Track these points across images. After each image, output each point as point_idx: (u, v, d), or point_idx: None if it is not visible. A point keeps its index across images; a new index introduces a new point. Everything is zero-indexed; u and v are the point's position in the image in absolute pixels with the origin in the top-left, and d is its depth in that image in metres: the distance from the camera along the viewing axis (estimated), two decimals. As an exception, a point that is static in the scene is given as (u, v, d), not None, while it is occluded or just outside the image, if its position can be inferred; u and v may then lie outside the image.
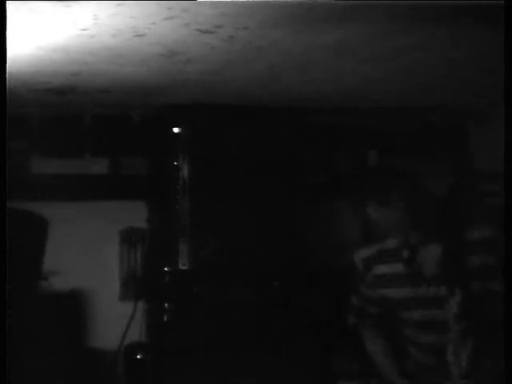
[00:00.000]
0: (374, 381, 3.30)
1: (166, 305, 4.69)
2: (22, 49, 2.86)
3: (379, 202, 2.91)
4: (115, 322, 4.85)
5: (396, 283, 3.00)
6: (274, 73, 3.52)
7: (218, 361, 4.58)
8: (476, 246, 2.88)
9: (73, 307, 4.94)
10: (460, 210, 3.20)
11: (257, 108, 4.68)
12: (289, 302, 4.78)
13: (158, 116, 4.82)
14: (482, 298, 2.81)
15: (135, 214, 4.96)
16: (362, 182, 3.21)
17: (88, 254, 4.91)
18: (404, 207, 2.89)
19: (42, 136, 4.88)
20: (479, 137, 5.24)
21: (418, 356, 3.04)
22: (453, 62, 3.35)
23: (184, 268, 4.68)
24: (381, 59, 3.23)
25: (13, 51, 2.84)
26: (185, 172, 4.68)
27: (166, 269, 4.71)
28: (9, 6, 2.05)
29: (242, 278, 4.76)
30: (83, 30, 2.54)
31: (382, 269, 3.06)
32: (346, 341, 4.91)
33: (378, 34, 2.74)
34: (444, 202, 3.16)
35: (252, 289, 4.74)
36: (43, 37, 2.65)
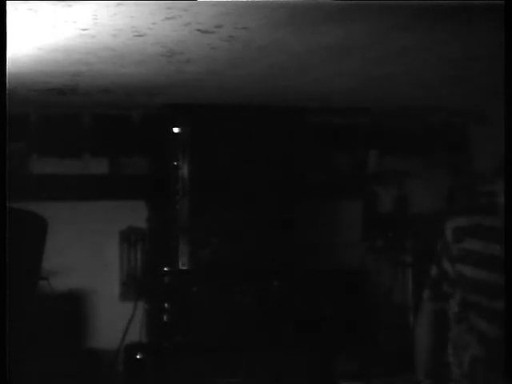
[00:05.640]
0: (374, 381, 3.27)
1: (165, 305, 4.69)
2: (22, 49, 2.86)
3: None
4: (115, 322, 4.86)
5: (486, 264, 2.72)
6: (274, 73, 3.51)
7: (217, 360, 4.58)
8: None
9: (73, 307, 4.94)
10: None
11: (257, 108, 4.68)
12: (289, 302, 4.78)
13: (157, 116, 4.82)
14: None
15: (135, 214, 4.96)
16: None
17: (88, 255, 4.91)
18: None
19: (42, 136, 4.88)
20: (479, 137, 5.24)
21: (474, 348, 2.81)
22: (453, 62, 3.35)
23: (184, 268, 4.68)
24: (381, 59, 3.23)
25: (13, 51, 2.84)
26: (185, 172, 4.68)
27: (165, 269, 4.71)
28: (9, 5, 2.05)
29: (242, 278, 4.76)
30: (84, 30, 2.54)
31: (474, 244, 2.76)
32: (346, 341, 4.92)
33: (378, 34, 2.74)
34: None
35: (252, 289, 4.74)
36: (43, 37, 2.65)
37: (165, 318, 4.69)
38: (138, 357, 4.70)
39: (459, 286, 2.76)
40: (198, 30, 2.57)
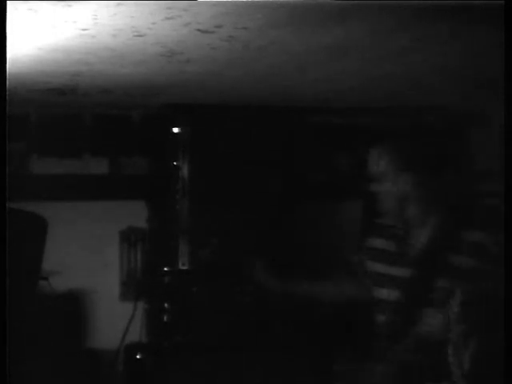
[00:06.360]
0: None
1: (165, 305, 4.69)
2: (22, 49, 2.86)
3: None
4: (115, 322, 4.86)
5: (384, 260, 3.02)
6: (274, 73, 3.51)
7: (217, 361, 4.58)
8: (468, 247, 2.90)
9: (73, 307, 4.94)
10: (461, 207, 3.21)
11: (257, 108, 4.68)
12: (289, 302, 4.78)
13: (157, 116, 4.82)
14: (476, 300, 2.80)
15: (135, 213, 4.96)
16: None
17: (88, 255, 4.91)
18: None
19: (42, 136, 4.88)
20: (478, 137, 5.24)
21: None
22: (452, 63, 3.35)
23: (184, 268, 4.68)
24: (381, 59, 3.23)
25: (13, 51, 2.84)
26: (185, 172, 4.68)
27: (165, 269, 4.71)
28: (9, 5, 2.05)
29: (241, 278, 4.76)
30: (83, 30, 2.54)
31: (376, 242, 3.09)
32: (346, 340, 4.92)
33: (378, 34, 2.74)
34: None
35: (252, 289, 4.74)
36: (43, 37, 2.65)
37: (165, 318, 4.69)
38: (138, 357, 4.70)
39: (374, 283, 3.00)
40: (198, 30, 2.57)
